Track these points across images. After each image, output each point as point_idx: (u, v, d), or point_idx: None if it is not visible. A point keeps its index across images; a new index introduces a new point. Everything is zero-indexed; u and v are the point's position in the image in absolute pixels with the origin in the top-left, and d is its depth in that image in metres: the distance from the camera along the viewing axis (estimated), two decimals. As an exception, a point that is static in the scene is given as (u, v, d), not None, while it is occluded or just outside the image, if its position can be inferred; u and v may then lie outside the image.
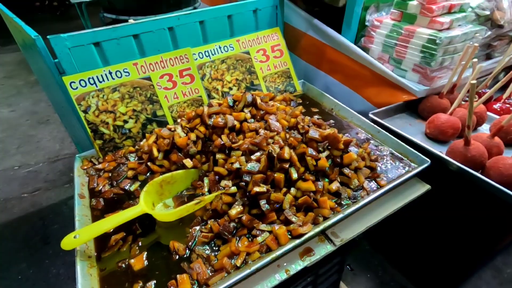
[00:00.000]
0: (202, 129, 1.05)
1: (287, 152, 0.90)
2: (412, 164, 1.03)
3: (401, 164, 1.04)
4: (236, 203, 0.86)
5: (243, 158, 0.91)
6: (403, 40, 1.27)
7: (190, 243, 0.81)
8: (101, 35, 1.04)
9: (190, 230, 0.84)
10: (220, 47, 1.32)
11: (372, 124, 1.17)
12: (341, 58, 1.48)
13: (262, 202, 0.84)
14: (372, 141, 1.15)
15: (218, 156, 0.98)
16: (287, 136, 0.96)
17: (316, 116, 1.23)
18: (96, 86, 1.10)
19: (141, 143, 1.11)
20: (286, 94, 1.42)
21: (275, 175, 0.88)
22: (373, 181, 0.98)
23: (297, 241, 0.79)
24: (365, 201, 0.88)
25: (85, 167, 1.09)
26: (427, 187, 0.99)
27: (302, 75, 1.74)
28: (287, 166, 0.89)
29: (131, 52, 1.14)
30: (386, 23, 1.33)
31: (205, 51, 1.30)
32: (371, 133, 1.18)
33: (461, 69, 1.18)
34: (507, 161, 0.89)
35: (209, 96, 1.32)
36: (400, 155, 1.07)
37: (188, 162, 0.99)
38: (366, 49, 1.45)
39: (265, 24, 1.45)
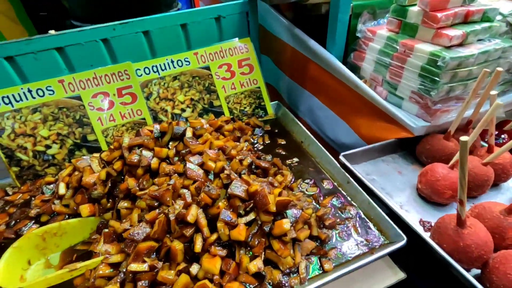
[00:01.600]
0: (118, 165, 0.85)
1: (192, 214, 0.66)
2: (382, 238, 0.73)
3: (367, 237, 0.74)
4: (116, 277, 0.65)
5: (135, 217, 0.69)
6: (399, 59, 0.95)
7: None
8: (13, 48, 0.89)
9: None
10: (172, 61, 1.12)
11: (343, 170, 0.88)
12: (325, 77, 1.19)
13: (140, 284, 0.61)
14: (339, 195, 0.86)
15: (121, 204, 0.77)
16: (203, 188, 0.72)
17: (281, 151, 0.97)
18: (12, 106, 0.95)
19: (60, 174, 0.95)
20: (252, 119, 1.18)
21: (172, 244, 0.65)
22: (318, 260, 0.70)
23: None
24: (291, 296, 0.61)
25: (-4, 198, 0.96)
26: (400, 275, 0.69)
27: (286, 95, 1.48)
28: (191, 232, 0.66)
29: (56, 68, 0.98)
30: (380, 35, 1.02)
31: (152, 66, 1.10)
32: (340, 182, 0.89)
33: (479, 102, 0.84)
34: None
35: (155, 119, 1.12)
36: (369, 222, 0.77)
37: (84, 208, 0.80)
38: (356, 67, 1.15)
39: (233, 33, 1.22)
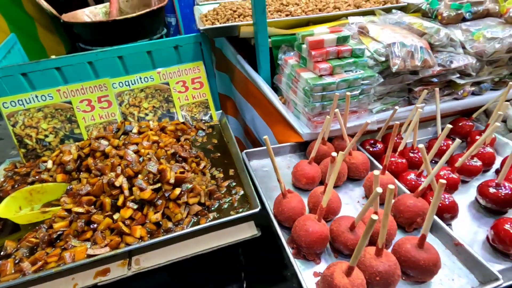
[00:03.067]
0: (86, 150, 1.24)
1: (118, 181, 1.02)
2: (247, 207, 1.04)
3: (240, 207, 1.06)
4: (67, 217, 1.02)
5: (84, 181, 1.06)
6: (295, 82, 1.27)
7: (18, 245, 0.99)
8: (27, 68, 1.32)
9: (26, 235, 1.02)
10: (140, 78, 1.51)
11: (243, 163, 1.20)
12: (258, 93, 1.52)
13: (80, 221, 0.97)
14: (237, 180, 1.18)
15: (82, 175, 1.15)
16: (130, 165, 1.08)
17: (211, 148, 1.33)
18: (24, 106, 1.38)
19: (51, 155, 1.35)
20: (199, 123, 1.53)
21: (104, 199, 1.01)
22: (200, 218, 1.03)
23: (89, 260, 0.90)
24: (171, 236, 0.95)
25: (9, 169, 1.37)
26: (254, 232, 1.00)
27: (238, 106, 1.82)
28: (116, 192, 1.02)
29: (55, 81, 1.40)
30: (289, 63, 1.34)
31: (125, 81, 1.49)
32: (240, 171, 1.21)
33: (344, 117, 1.14)
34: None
35: (125, 120, 1.51)
36: (247, 199, 1.09)
37: (59, 176, 1.18)
38: (278, 87, 1.48)
39: (189, 57, 1.59)
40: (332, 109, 1.10)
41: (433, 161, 1.23)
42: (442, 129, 0.96)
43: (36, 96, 1.38)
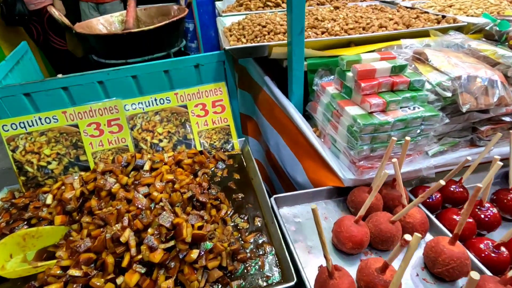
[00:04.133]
0: (91, 185, 1.07)
1: (124, 236, 0.84)
2: (279, 277, 0.85)
3: (269, 274, 0.86)
4: (63, 277, 0.85)
5: (85, 232, 0.89)
6: (336, 116, 1.07)
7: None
8: (31, 87, 1.17)
9: (15, 294, 0.85)
10: (155, 100, 1.34)
11: (271, 211, 1.01)
12: (286, 120, 1.33)
13: (75, 285, 0.80)
14: (263, 233, 0.99)
15: (83, 219, 0.98)
16: (139, 216, 0.90)
17: (232, 185, 1.15)
18: (26, 130, 1.23)
19: (52, 186, 1.20)
20: (218, 153, 1.35)
21: (106, 258, 0.83)
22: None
23: None
24: (184, 314, 0.76)
25: (6, 199, 1.22)
26: (287, 311, 0.80)
27: (261, 128, 1.63)
28: (121, 250, 0.84)
29: (61, 102, 1.25)
30: (327, 91, 1.14)
31: (138, 103, 1.33)
32: (267, 221, 1.02)
33: (397, 164, 0.93)
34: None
35: (137, 146, 1.34)
36: (277, 261, 0.90)
37: (57, 218, 1.02)
38: (312, 116, 1.28)
39: (211, 78, 1.41)
40: (385, 155, 0.90)
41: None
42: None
43: (40, 119, 1.23)
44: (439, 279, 0.84)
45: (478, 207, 0.99)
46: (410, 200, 1.03)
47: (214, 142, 1.40)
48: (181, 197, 0.99)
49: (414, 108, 0.97)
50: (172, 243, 0.85)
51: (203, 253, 0.84)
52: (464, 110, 0.93)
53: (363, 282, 0.75)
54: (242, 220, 1.04)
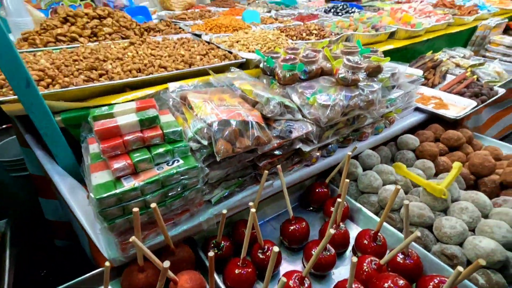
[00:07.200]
0: None
1: None
2: None
3: None
4: None
5: None
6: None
7: None
8: None
9: None
10: None
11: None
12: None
13: None
14: None
15: None
16: None
17: None
18: None
19: None
20: None
21: None
22: None
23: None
24: None
25: None
26: None
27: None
28: None
29: None
30: (89, 150, 0.94)
31: None
32: None
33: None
34: None
35: None
36: None
37: None
38: (88, 178, 1.05)
39: None
40: (135, 227, 0.76)
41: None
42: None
43: None
44: None
45: (260, 250, 0.97)
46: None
47: None
48: None
49: (173, 162, 0.87)
50: None
51: None
52: (218, 158, 0.89)
53: None
54: None
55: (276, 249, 0.69)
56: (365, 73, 1.22)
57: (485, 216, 1.10)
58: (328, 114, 1.07)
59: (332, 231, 0.74)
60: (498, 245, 0.93)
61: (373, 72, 1.26)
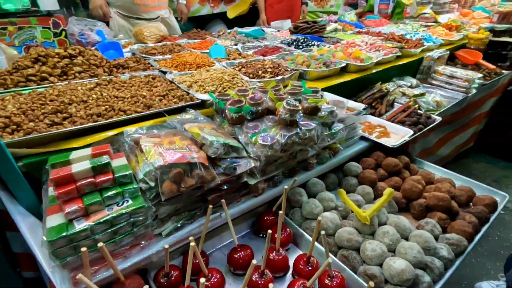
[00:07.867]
0: None
1: None
2: None
3: None
4: None
5: None
6: (50, 223, 0.98)
7: None
8: None
9: None
10: None
11: None
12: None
13: None
14: None
15: None
16: None
17: None
18: None
19: None
20: None
21: None
22: None
23: None
24: None
25: None
26: None
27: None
28: None
29: None
30: (49, 192, 1.04)
31: None
32: None
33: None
34: None
35: None
36: None
37: None
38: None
39: None
40: (84, 266, 0.86)
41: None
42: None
43: None
44: None
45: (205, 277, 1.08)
46: None
47: None
48: None
49: (123, 203, 0.99)
50: None
51: None
52: (163, 198, 1.02)
53: None
54: None
55: (202, 280, 0.81)
56: (302, 114, 1.40)
57: (406, 238, 1.27)
58: (267, 153, 1.23)
59: (254, 261, 0.87)
60: (408, 265, 1.09)
61: (312, 111, 1.43)
